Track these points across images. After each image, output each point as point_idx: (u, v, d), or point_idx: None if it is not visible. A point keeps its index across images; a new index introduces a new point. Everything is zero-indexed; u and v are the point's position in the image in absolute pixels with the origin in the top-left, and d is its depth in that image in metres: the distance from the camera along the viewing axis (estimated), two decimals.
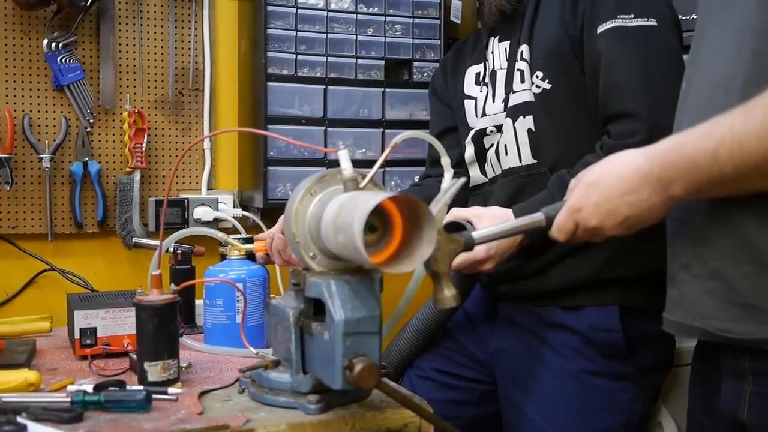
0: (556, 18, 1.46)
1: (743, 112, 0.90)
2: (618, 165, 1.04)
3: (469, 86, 1.66)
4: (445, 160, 1.20)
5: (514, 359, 1.54)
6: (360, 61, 2.11)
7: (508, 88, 1.53)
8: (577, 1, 1.43)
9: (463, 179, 1.13)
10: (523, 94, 1.50)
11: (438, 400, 1.28)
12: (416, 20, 2.16)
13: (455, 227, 1.19)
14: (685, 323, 1.05)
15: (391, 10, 2.13)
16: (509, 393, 1.55)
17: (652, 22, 1.37)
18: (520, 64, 1.50)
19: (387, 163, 1.35)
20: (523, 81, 1.50)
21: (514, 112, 1.51)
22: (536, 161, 1.48)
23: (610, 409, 1.46)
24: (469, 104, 1.65)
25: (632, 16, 1.37)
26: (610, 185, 1.03)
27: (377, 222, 1.06)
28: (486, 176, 1.61)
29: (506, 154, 1.52)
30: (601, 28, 1.39)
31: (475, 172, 1.63)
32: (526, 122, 1.49)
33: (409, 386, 1.39)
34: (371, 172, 1.12)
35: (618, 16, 1.37)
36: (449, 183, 1.14)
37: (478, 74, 1.64)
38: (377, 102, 2.13)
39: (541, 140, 1.48)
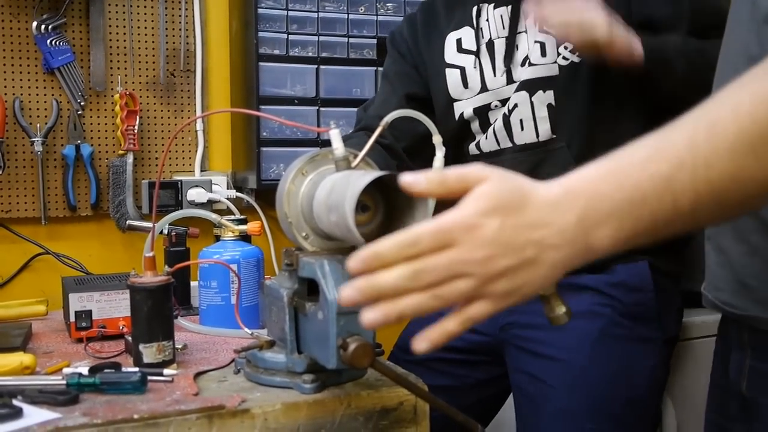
0: None
1: (706, 125, 0.73)
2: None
3: (452, 54, 1.60)
4: (437, 138, 1.19)
5: (532, 330, 1.49)
6: (352, 40, 2.09)
7: (508, 60, 1.50)
8: None
9: None
10: (543, 67, 1.47)
11: (428, 385, 1.27)
12: None
13: None
14: (706, 295, 1.06)
15: None
16: (526, 366, 1.50)
17: None
18: (541, 36, 1.46)
19: None
20: (544, 54, 1.47)
21: (532, 86, 1.47)
22: (555, 136, 1.47)
23: (637, 374, 1.44)
24: (452, 73, 1.59)
25: None
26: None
27: (369, 201, 1.06)
28: (480, 149, 1.58)
29: (522, 130, 1.49)
30: None
31: (472, 146, 1.59)
32: (546, 97, 1.47)
33: None
34: (363, 151, 1.12)
35: None
36: (440, 162, 1.13)
37: (459, 40, 1.58)
38: (370, 81, 2.12)
39: (562, 115, 1.46)
